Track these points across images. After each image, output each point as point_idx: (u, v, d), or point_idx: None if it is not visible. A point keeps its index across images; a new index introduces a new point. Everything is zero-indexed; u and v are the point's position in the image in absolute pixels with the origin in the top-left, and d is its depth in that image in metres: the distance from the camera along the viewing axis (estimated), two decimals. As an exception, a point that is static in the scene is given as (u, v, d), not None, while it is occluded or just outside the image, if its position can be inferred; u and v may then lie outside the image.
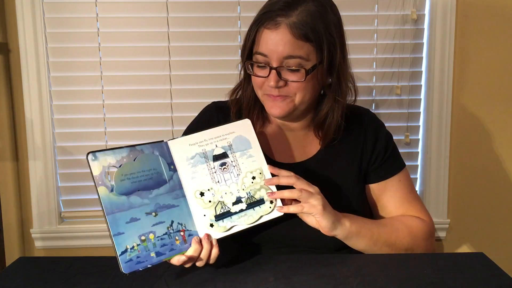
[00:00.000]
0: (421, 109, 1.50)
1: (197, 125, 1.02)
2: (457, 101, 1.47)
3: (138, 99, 1.47)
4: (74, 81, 1.45)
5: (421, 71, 1.49)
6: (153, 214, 0.75)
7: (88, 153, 0.72)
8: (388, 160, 0.97)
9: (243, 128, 0.86)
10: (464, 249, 1.56)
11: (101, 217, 1.53)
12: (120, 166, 0.73)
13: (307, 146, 0.98)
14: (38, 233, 1.49)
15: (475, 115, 1.48)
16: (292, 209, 0.82)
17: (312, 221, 0.84)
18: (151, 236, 0.73)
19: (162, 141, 0.80)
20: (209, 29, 1.44)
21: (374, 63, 1.47)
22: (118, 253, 0.70)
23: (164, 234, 0.74)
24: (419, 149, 1.52)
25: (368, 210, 1.01)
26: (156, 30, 1.44)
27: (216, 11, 1.43)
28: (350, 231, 0.85)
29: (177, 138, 0.82)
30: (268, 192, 0.82)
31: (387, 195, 0.97)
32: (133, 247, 0.71)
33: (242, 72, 0.96)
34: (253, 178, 0.83)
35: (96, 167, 0.72)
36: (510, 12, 1.43)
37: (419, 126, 1.51)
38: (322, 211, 0.81)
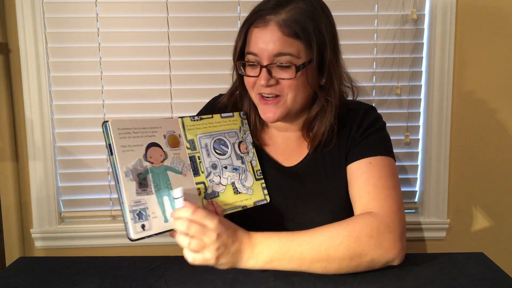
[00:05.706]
0: (421, 109, 1.50)
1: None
2: (457, 101, 1.47)
3: (138, 99, 1.47)
4: (74, 81, 1.45)
5: (421, 71, 1.49)
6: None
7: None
8: (366, 141, 0.90)
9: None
10: (464, 249, 1.55)
11: (100, 217, 1.54)
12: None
13: (298, 149, 0.96)
14: (38, 233, 1.49)
15: (475, 115, 1.48)
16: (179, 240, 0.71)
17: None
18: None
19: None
20: (209, 29, 1.44)
21: (374, 63, 1.47)
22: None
23: None
24: (419, 149, 1.52)
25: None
26: (156, 30, 1.43)
27: (216, 11, 1.43)
28: (256, 265, 0.75)
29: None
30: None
31: (353, 177, 0.88)
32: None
33: (235, 75, 0.96)
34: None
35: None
36: (509, 12, 1.43)
37: (419, 126, 1.51)
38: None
